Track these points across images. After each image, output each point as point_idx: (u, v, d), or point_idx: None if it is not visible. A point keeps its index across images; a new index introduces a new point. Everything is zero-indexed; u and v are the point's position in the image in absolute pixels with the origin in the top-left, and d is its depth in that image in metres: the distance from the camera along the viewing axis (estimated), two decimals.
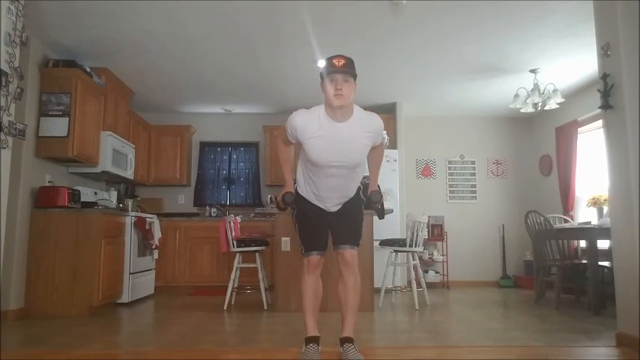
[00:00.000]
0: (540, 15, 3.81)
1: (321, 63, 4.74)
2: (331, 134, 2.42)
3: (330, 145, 2.43)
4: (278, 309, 4.20)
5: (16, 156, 3.68)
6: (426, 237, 5.86)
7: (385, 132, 5.85)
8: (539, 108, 5.11)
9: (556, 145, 6.06)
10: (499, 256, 6.66)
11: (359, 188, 2.75)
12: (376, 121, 2.53)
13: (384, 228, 5.00)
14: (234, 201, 6.65)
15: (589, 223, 4.64)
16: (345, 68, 2.37)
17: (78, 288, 4.04)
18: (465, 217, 6.71)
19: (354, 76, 2.42)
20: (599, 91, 3.12)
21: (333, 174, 2.52)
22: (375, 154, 2.71)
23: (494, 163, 6.88)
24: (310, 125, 2.43)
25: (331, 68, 2.38)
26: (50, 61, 4.32)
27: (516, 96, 5.19)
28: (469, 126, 6.91)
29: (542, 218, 4.61)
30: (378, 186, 2.80)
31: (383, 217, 3.30)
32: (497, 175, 6.86)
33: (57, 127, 4.19)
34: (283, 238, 4.24)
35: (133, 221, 4.76)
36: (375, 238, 4.30)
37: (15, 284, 3.88)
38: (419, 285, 4.70)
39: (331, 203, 2.65)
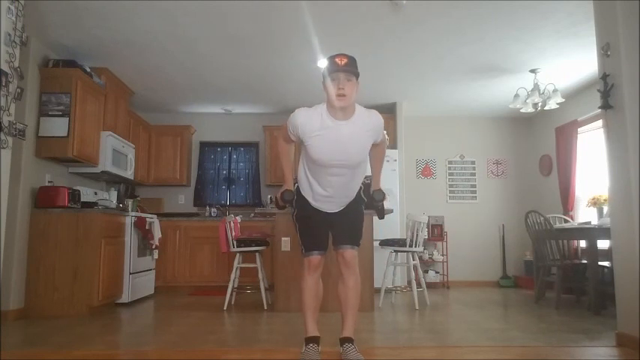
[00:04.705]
0: (540, 15, 3.81)
1: (322, 63, 4.76)
2: (333, 133, 2.42)
3: (331, 143, 2.42)
4: (278, 309, 4.20)
5: (16, 156, 3.68)
6: (426, 237, 5.86)
7: (385, 132, 5.91)
8: (539, 108, 5.11)
9: (556, 145, 6.06)
10: (499, 256, 6.66)
11: (360, 188, 2.74)
12: (376, 118, 2.52)
13: (384, 228, 5.00)
14: (234, 201, 6.65)
15: (589, 223, 4.63)
16: (347, 67, 2.36)
17: (78, 288, 4.04)
18: (465, 217, 6.71)
19: (357, 75, 2.41)
20: (599, 91, 3.12)
21: (335, 173, 2.51)
22: (376, 151, 2.69)
23: (494, 163, 6.88)
24: (312, 123, 2.42)
25: (334, 67, 2.37)
26: (50, 61, 4.32)
27: (516, 96, 5.19)
28: (469, 126, 6.91)
29: (542, 218, 4.61)
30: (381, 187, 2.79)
31: (383, 217, 3.29)
32: (497, 175, 6.86)
33: (57, 127, 4.19)
34: (283, 238, 4.24)
35: (133, 221, 4.76)
36: (375, 238, 4.30)
37: (15, 284, 3.88)
38: (419, 285, 4.70)
39: (332, 204, 2.64)
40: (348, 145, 2.44)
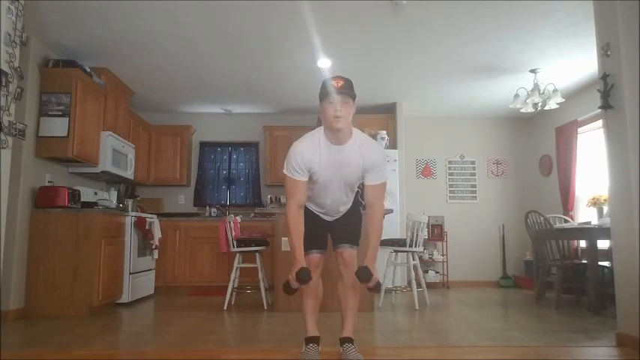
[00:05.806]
0: (540, 15, 3.81)
1: (321, 63, 4.76)
2: (331, 159, 2.44)
3: (330, 167, 2.45)
4: (278, 309, 4.20)
5: (16, 156, 3.68)
6: (426, 237, 5.86)
7: (385, 132, 5.92)
8: (539, 108, 5.11)
9: (556, 145, 6.06)
10: (499, 256, 6.66)
11: (357, 192, 2.75)
12: (376, 148, 2.51)
13: (384, 228, 4.98)
14: (234, 201, 6.65)
15: (589, 223, 4.64)
16: (344, 90, 2.36)
17: (78, 288, 4.04)
18: (465, 217, 6.71)
19: (353, 97, 2.41)
20: (599, 91, 3.12)
21: (329, 192, 2.54)
22: (372, 215, 2.51)
23: (494, 163, 6.88)
24: (312, 150, 2.43)
25: (330, 90, 2.37)
26: (50, 61, 4.32)
27: (516, 96, 5.19)
28: (469, 126, 6.90)
29: (542, 218, 4.60)
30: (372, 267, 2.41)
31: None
32: (497, 175, 6.86)
33: (57, 127, 4.19)
34: (283, 238, 4.23)
35: (133, 221, 4.76)
36: None
37: (15, 284, 3.88)
38: (419, 285, 4.70)
39: (327, 216, 2.69)
40: (344, 168, 2.46)
